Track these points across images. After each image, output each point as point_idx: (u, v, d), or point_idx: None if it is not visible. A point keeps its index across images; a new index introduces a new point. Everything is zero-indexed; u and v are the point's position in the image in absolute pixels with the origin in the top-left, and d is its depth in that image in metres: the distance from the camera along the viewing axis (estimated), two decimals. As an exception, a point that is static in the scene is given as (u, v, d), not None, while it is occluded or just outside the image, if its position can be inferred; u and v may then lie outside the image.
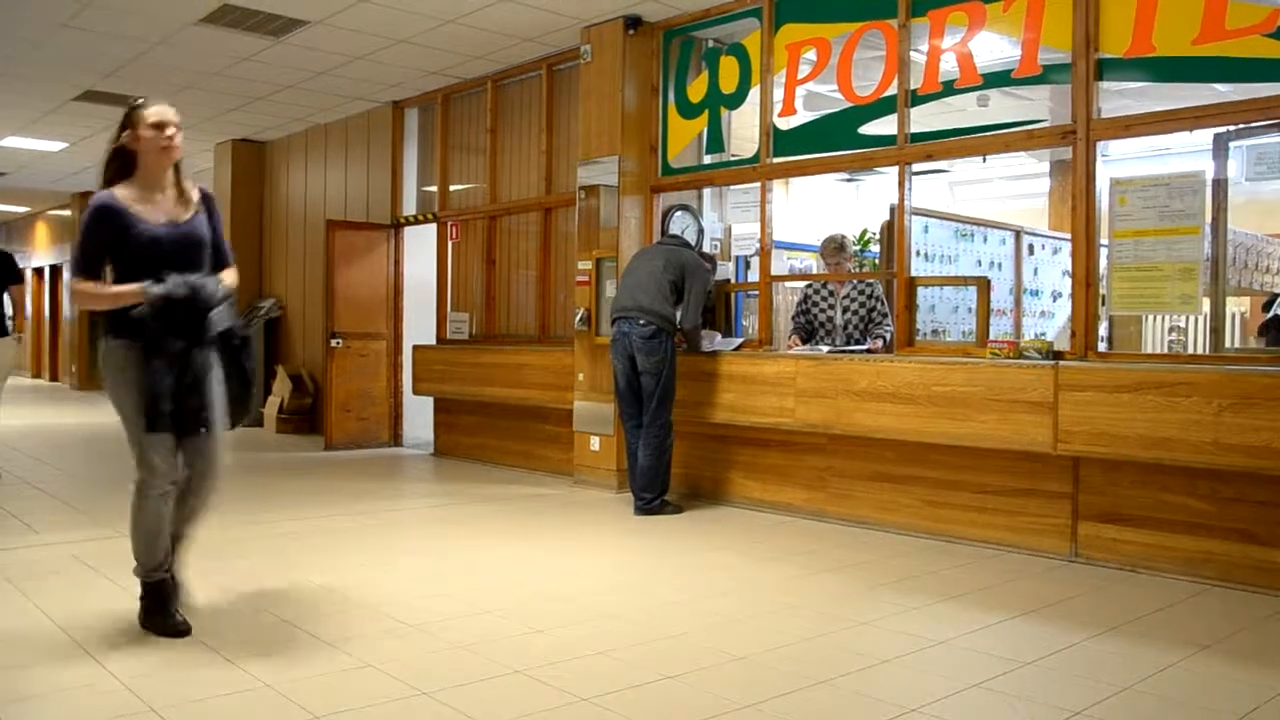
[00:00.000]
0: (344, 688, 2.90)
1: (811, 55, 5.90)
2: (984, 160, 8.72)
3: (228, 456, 3.52)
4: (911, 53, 5.40)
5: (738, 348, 6.17)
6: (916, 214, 5.75)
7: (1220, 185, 4.67)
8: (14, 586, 3.98)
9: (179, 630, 3.35)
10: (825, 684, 3.00)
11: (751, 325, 6.55)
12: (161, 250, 3.28)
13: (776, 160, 6.08)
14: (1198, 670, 3.18)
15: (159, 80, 8.30)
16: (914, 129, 5.41)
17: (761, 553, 4.85)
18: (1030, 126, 5.10)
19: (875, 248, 7.65)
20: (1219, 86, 4.64)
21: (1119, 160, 8.22)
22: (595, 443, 6.74)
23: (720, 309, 6.59)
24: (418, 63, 7.79)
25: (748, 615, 3.74)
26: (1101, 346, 4.91)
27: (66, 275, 16.63)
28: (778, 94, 6.06)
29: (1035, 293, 7.37)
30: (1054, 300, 7.50)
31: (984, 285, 5.45)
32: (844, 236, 6.30)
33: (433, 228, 8.81)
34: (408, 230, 9.20)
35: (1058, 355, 4.75)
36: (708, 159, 6.62)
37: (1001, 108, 5.70)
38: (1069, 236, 4.97)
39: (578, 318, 6.79)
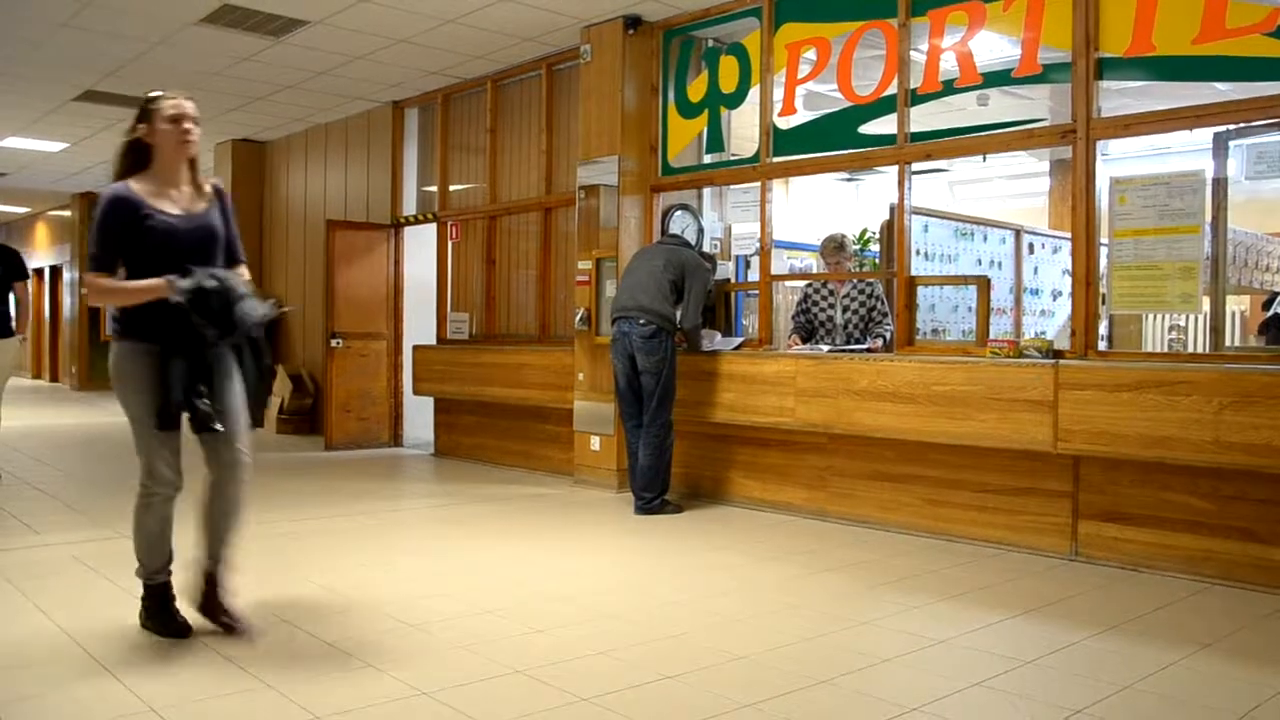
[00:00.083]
0: (344, 688, 2.90)
1: (811, 54, 5.90)
2: (984, 159, 8.72)
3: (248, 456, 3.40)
4: (911, 52, 5.40)
5: (738, 347, 6.17)
6: (916, 213, 5.75)
7: (1220, 184, 4.67)
8: (14, 587, 3.98)
9: (180, 631, 3.35)
10: (826, 683, 3.00)
11: (751, 325, 6.55)
12: (177, 243, 3.18)
13: (776, 160, 6.08)
14: (1198, 669, 3.18)
15: (159, 80, 8.28)
16: (914, 128, 5.41)
17: (762, 552, 4.85)
18: (1030, 126, 5.10)
19: (875, 247, 7.65)
20: (1219, 85, 4.64)
21: (1119, 159, 8.21)
22: (595, 442, 6.74)
23: (720, 308, 6.59)
24: (418, 63, 7.79)
25: (748, 615, 3.74)
26: (1102, 345, 4.91)
27: (67, 274, 16.67)
28: (778, 93, 6.06)
29: (1035, 292, 7.37)
30: (1054, 299, 7.50)
31: (984, 284, 5.45)
32: (844, 236, 6.30)
33: (433, 228, 8.81)
34: (408, 230, 9.20)
35: (1058, 354, 4.74)
36: (708, 158, 6.62)
37: (1001, 107, 5.70)
38: (1069, 235, 4.97)
39: (578, 317, 6.79)
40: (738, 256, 6.91)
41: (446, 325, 8.58)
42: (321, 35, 7.10)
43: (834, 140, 5.79)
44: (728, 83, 6.31)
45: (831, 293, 6.13)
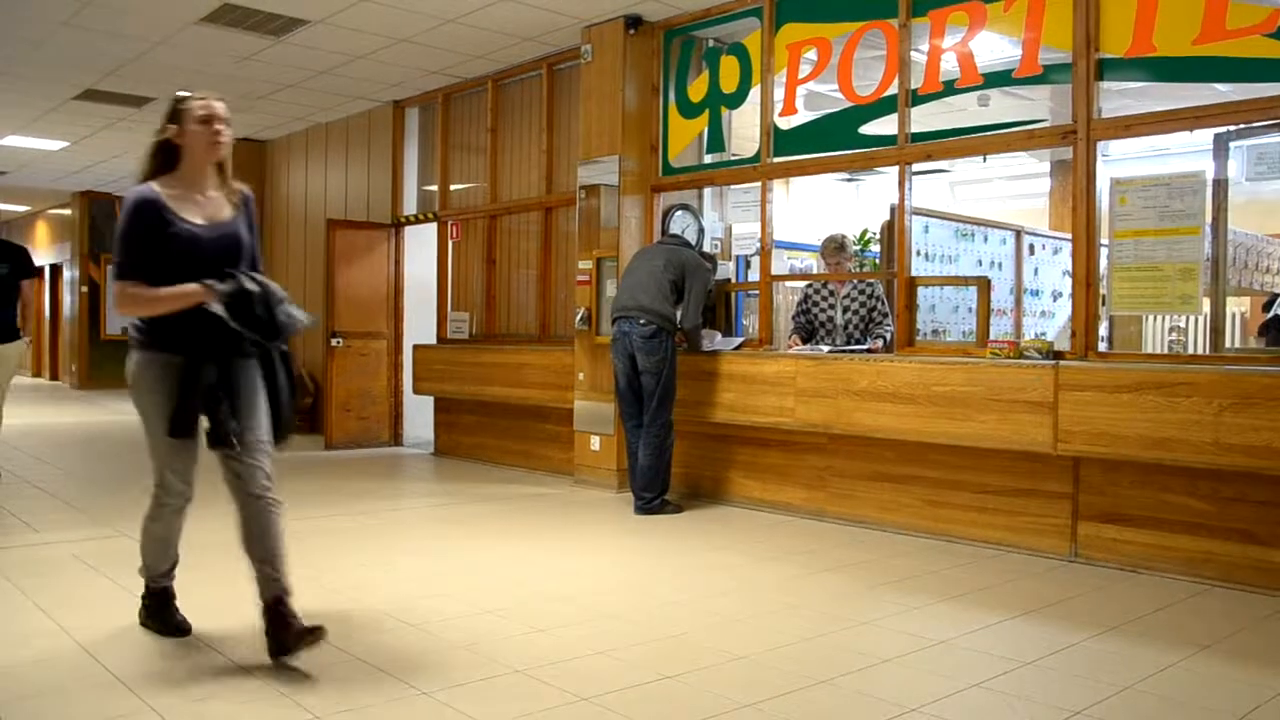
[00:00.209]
0: (344, 688, 2.90)
1: (812, 55, 5.90)
2: (984, 160, 8.73)
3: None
4: (912, 52, 5.40)
5: (738, 347, 6.18)
6: (917, 214, 5.74)
7: (1220, 185, 4.67)
8: (14, 585, 3.98)
9: (179, 629, 3.35)
10: (826, 684, 3.01)
11: (752, 325, 6.55)
12: (201, 251, 3.06)
13: (777, 160, 6.08)
14: (1198, 670, 3.18)
15: (159, 79, 8.30)
16: (914, 129, 5.41)
17: (761, 552, 4.85)
18: (1030, 126, 5.10)
19: (875, 247, 7.65)
20: (1219, 86, 4.64)
21: (1119, 160, 8.22)
22: (595, 442, 6.74)
23: (720, 308, 6.59)
24: (418, 62, 7.79)
25: (748, 615, 3.74)
26: (1102, 346, 4.91)
27: (67, 273, 16.67)
28: (778, 93, 6.06)
29: (1035, 292, 7.37)
30: (1054, 300, 7.50)
31: (984, 285, 5.45)
32: (844, 236, 6.30)
33: (433, 227, 8.81)
34: (408, 229, 9.20)
35: (1058, 355, 4.74)
36: (708, 158, 6.62)
37: (1002, 107, 5.70)
38: (1069, 236, 4.97)
39: (578, 317, 6.79)
40: (738, 256, 6.91)
41: (447, 325, 8.58)
42: (322, 35, 7.10)
43: (835, 140, 5.79)
44: (728, 83, 6.31)
45: (832, 293, 6.13)
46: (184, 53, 7.58)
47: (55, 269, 17.64)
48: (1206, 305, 4.80)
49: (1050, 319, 7.44)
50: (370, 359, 9.06)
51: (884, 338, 5.86)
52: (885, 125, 5.53)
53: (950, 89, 5.26)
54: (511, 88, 8.01)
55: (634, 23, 6.55)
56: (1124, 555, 4.54)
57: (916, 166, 5.55)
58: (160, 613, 3.39)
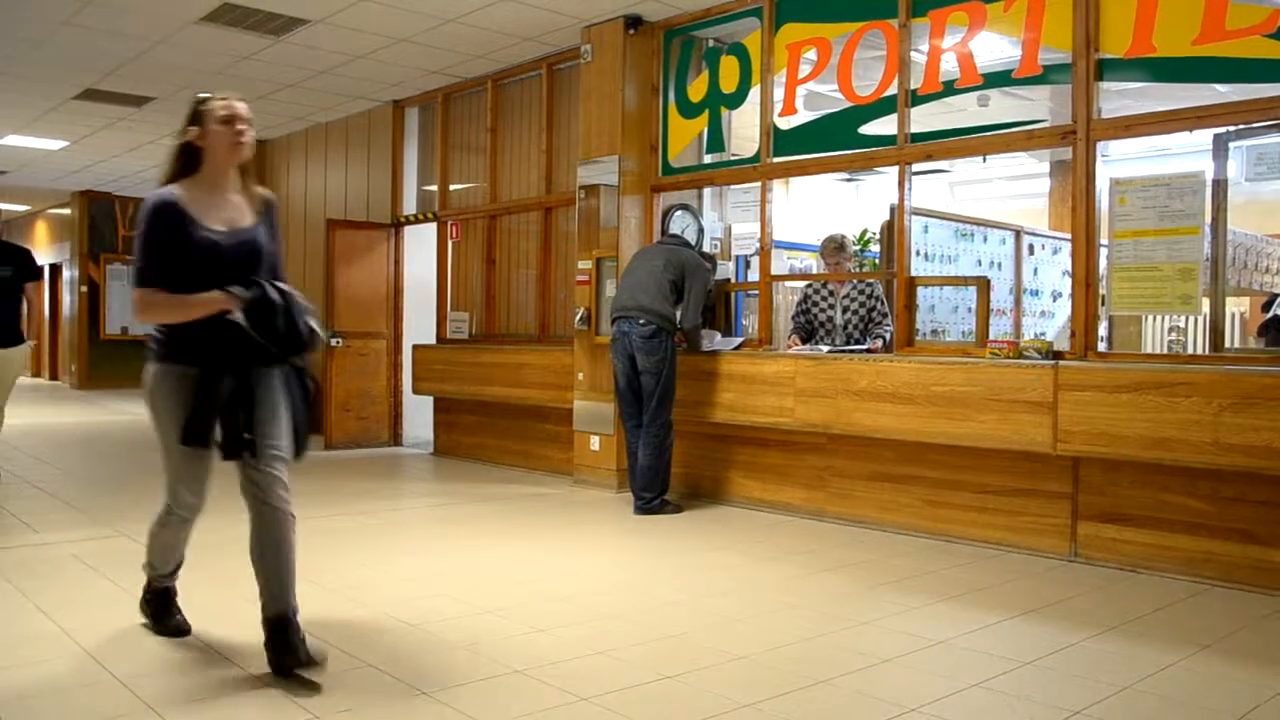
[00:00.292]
0: (344, 687, 2.90)
1: (812, 55, 5.90)
2: (984, 160, 8.73)
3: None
4: (912, 53, 5.40)
5: (737, 347, 6.18)
6: (916, 214, 5.75)
7: (1220, 185, 4.67)
8: (13, 586, 3.98)
9: (179, 629, 3.35)
10: (825, 684, 3.01)
11: (751, 325, 6.55)
12: (219, 260, 2.98)
13: (777, 160, 6.08)
14: (1197, 670, 3.19)
15: (159, 79, 8.30)
16: (914, 129, 5.41)
17: (761, 552, 4.85)
18: (1030, 126, 5.10)
19: (875, 247, 7.65)
20: (1219, 87, 4.65)
21: (1119, 160, 8.22)
22: (595, 442, 6.74)
23: (720, 308, 6.59)
24: (418, 62, 7.79)
25: (748, 615, 3.75)
26: (1101, 346, 4.92)
27: (67, 273, 16.66)
28: (778, 94, 6.06)
29: (1035, 293, 7.38)
30: (1054, 300, 7.50)
31: (984, 285, 5.45)
32: (844, 236, 6.30)
33: (433, 227, 8.81)
34: (408, 229, 9.20)
35: (1057, 355, 4.75)
36: (708, 158, 6.62)
37: (1002, 108, 5.70)
38: (1069, 236, 4.97)
39: (578, 317, 6.79)
40: (738, 256, 6.91)
41: (446, 325, 8.58)
42: (322, 34, 7.10)
43: (834, 140, 5.79)
44: (728, 83, 6.32)
45: (831, 293, 6.13)
46: (184, 52, 7.58)
47: (55, 269, 17.63)
48: (1206, 305, 4.80)
49: (1050, 319, 7.44)
50: (370, 359, 9.06)
51: (883, 338, 5.86)
52: (885, 125, 5.53)
53: (950, 89, 5.26)
54: (511, 88, 8.02)
55: (634, 23, 6.55)
56: (1124, 555, 4.54)
57: (916, 166, 5.55)
58: (160, 613, 3.39)
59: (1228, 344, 5.47)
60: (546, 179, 7.60)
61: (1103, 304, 4.89)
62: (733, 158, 6.50)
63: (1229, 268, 4.98)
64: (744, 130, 6.52)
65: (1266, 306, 6.16)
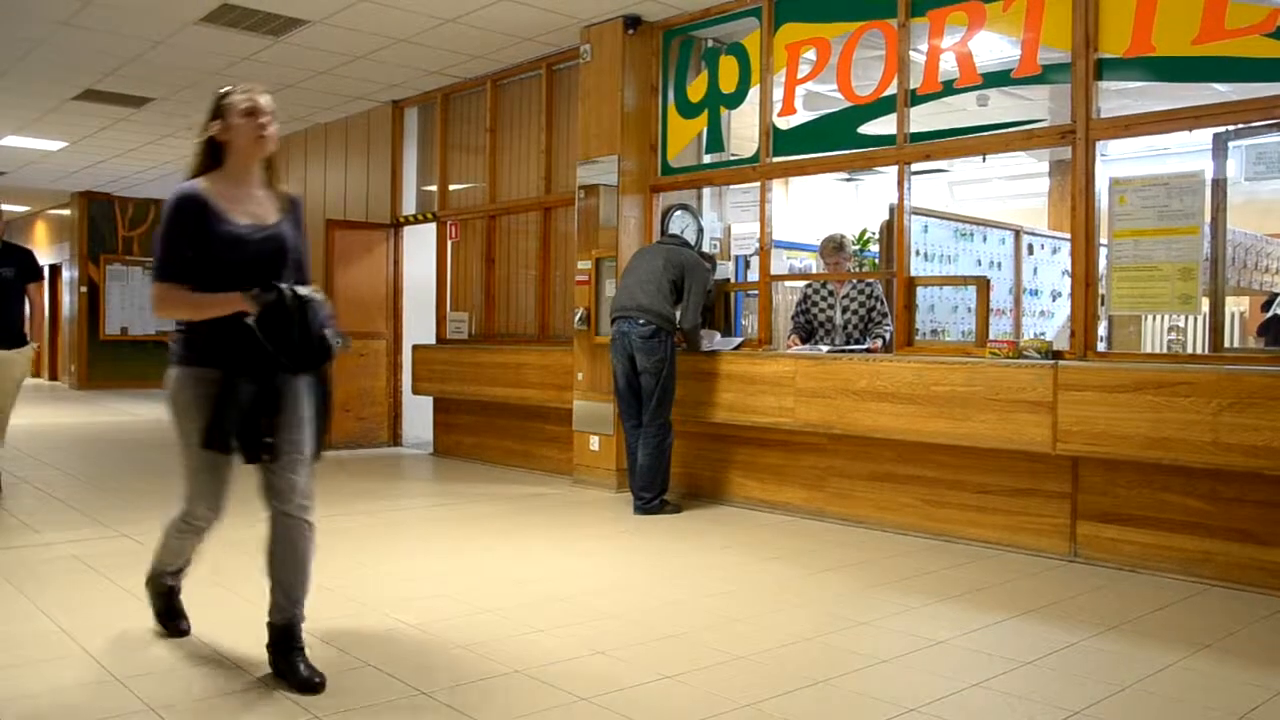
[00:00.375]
0: (344, 688, 2.90)
1: (811, 55, 5.90)
2: (983, 160, 8.71)
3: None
4: (911, 52, 5.40)
5: (737, 347, 6.18)
6: (916, 213, 5.75)
7: (1219, 185, 4.67)
8: (14, 586, 3.98)
9: (179, 631, 3.35)
10: (825, 683, 3.01)
11: (751, 325, 6.55)
12: (243, 254, 2.90)
13: (776, 160, 6.08)
14: (1197, 670, 3.19)
15: (159, 79, 8.30)
16: (913, 129, 5.41)
17: (761, 552, 4.85)
18: (1030, 126, 5.10)
19: (875, 247, 7.64)
20: (1218, 86, 4.65)
21: (1118, 160, 8.22)
22: (595, 442, 6.74)
23: (720, 308, 6.59)
24: (417, 62, 7.79)
25: (748, 615, 3.75)
26: (1101, 346, 4.92)
27: (66, 273, 16.67)
28: (777, 93, 6.06)
29: (1035, 292, 7.38)
30: (1053, 300, 7.51)
31: (983, 285, 5.45)
32: (843, 236, 6.30)
33: (432, 227, 8.81)
34: (407, 230, 9.20)
35: (1057, 355, 4.75)
36: (707, 158, 6.62)
37: (1001, 107, 5.71)
38: (1068, 236, 4.97)
39: (577, 317, 6.79)
40: (737, 256, 6.91)
41: (446, 325, 8.58)
42: (321, 35, 7.10)
43: (834, 140, 5.79)
44: (727, 83, 6.32)
45: (831, 293, 6.14)
46: (183, 53, 7.58)
47: (54, 269, 17.64)
48: (1205, 305, 4.80)
49: (1049, 319, 7.44)
50: (369, 359, 9.06)
51: (883, 338, 5.86)
52: (884, 125, 5.53)
53: (949, 89, 5.26)
54: (510, 88, 8.01)
55: (633, 23, 6.55)
56: (1123, 555, 4.54)
57: (915, 166, 5.55)
58: (164, 611, 3.38)
59: (1227, 343, 5.48)
60: (546, 179, 7.60)
61: (1102, 304, 4.89)
62: (732, 158, 6.50)
63: (1228, 267, 4.98)
64: (743, 130, 6.52)
65: (1266, 306, 6.17)
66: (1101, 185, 4.75)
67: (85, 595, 3.91)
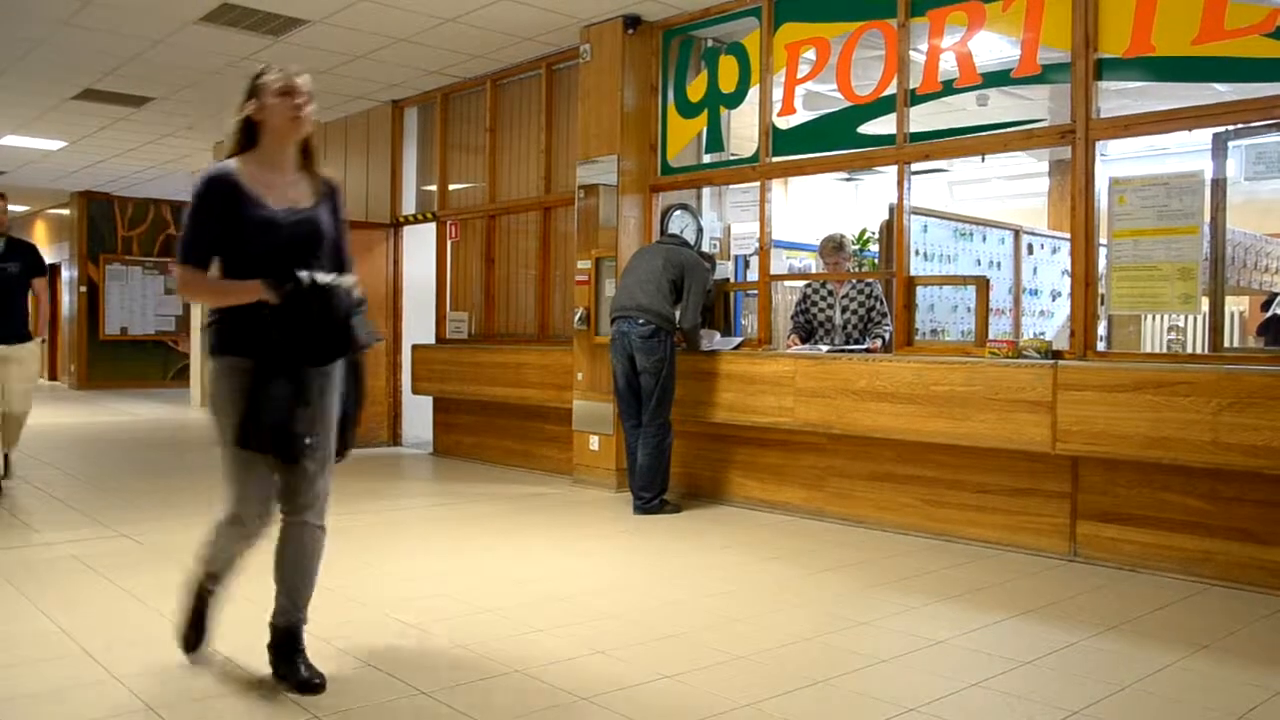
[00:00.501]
0: (344, 687, 2.90)
1: (811, 55, 5.90)
2: (983, 160, 8.72)
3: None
4: (911, 52, 5.40)
5: (737, 347, 6.18)
6: (915, 213, 5.75)
7: (1219, 185, 4.68)
8: (14, 586, 3.98)
9: (195, 646, 3.10)
10: (825, 683, 3.01)
11: (751, 324, 6.55)
12: (276, 238, 2.79)
13: (776, 159, 6.08)
14: (1197, 669, 3.19)
15: (158, 79, 8.30)
16: (913, 128, 5.41)
17: (761, 552, 4.85)
18: (1029, 126, 5.11)
19: (874, 247, 7.64)
20: (1218, 86, 4.65)
21: (1118, 160, 8.22)
22: (594, 442, 6.74)
23: (719, 308, 6.59)
24: (417, 62, 7.79)
25: (747, 615, 3.75)
26: (1100, 346, 4.92)
27: (66, 273, 16.65)
28: (777, 93, 6.06)
29: (1034, 292, 7.38)
30: (1053, 300, 7.51)
31: (983, 285, 5.45)
32: (843, 236, 6.30)
33: (432, 227, 8.81)
34: (407, 229, 9.20)
35: (1057, 355, 4.75)
36: (707, 158, 6.62)
37: (1001, 107, 5.70)
38: (1068, 236, 4.97)
39: (577, 317, 6.79)
40: (737, 256, 6.91)
41: (446, 324, 8.58)
42: (320, 34, 7.09)
43: (833, 140, 5.79)
44: (727, 82, 6.32)
45: (831, 293, 6.14)
46: (183, 52, 7.57)
47: (54, 269, 17.63)
48: (1205, 305, 4.81)
49: (1049, 318, 7.44)
50: (369, 359, 9.03)
51: (883, 337, 5.86)
52: (884, 125, 5.53)
53: (949, 89, 5.26)
54: (510, 87, 8.01)
55: (633, 22, 6.55)
56: (1123, 555, 4.54)
57: (915, 166, 5.55)
58: (190, 622, 3.07)
59: (1227, 343, 5.48)
60: (545, 179, 7.60)
61: (1102, 303, 4.89)
62: (732, 157, 6.50)
63: (1228, 267, 4.98)
64: (743, 130, 6.52)
65: (1266, 305, 6.17)
66: (1101, 185, 4.75)
67: (85, 595, 3.91)
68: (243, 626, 3.35)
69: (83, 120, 10.04)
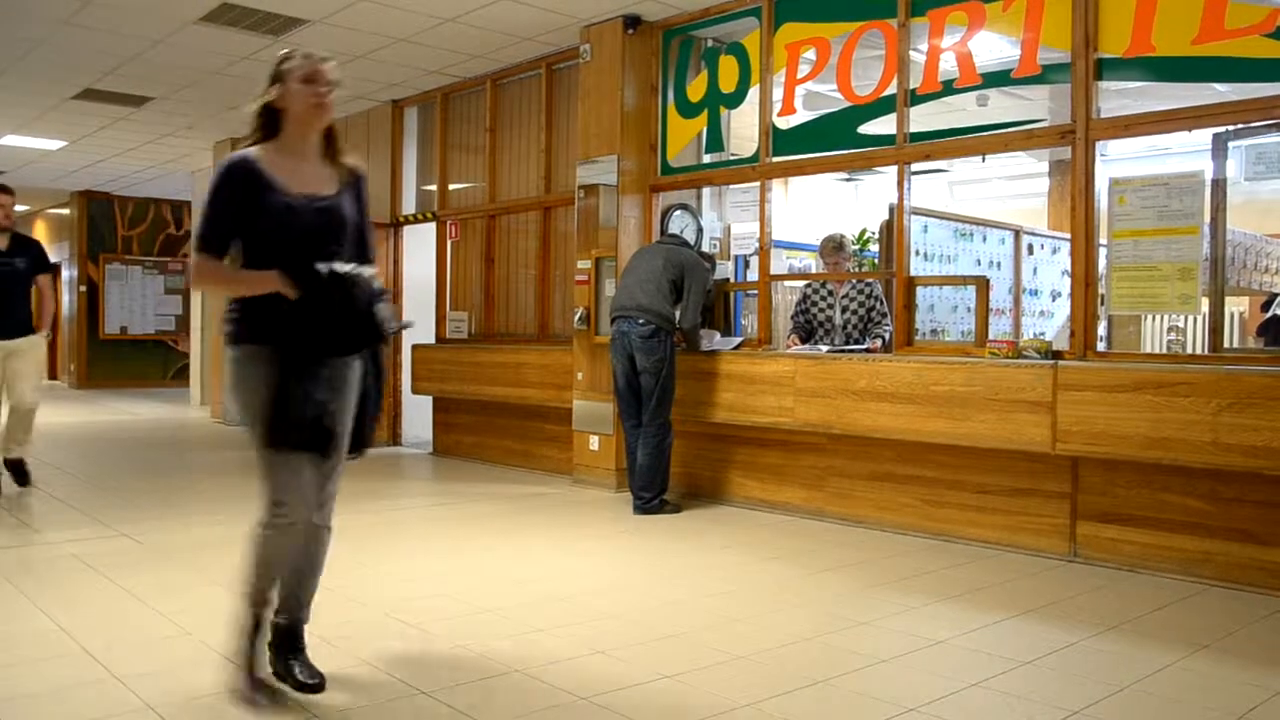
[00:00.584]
0: (344, 688, 2.90)
1: (811, 54, 5.90)
2: (983, 160, 8.72)
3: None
4: (911, 52, 5.40)
5: (737, 347, 6.18)
6: (915, 213, 5.75)
7: (1219, 185, 4.68)
8: (14, 586, 3.98)
9: (259, 692, 2.84)
10: (825, 683, 3.01)
11: (751, 324, 6.55)
12: (296, 226, 2.74)
13: (776, 160, 6.08)
14: (1196, 670, 3.19)
15: (158, 79, 8.29)
16: (913, 128, 5.41)
17: (761, 552, 4.85)
18: (1029, 126, 5.11)
19: (874, 247, 7.64)
20: (1218, 86, 4.65)
21: (1118, 160, 8.22)
22: (594, 442, 6.74)
23: (719, 308, 6.59)
24: (417, 62, 7.79)
25: (747, 615, 3.75)
26: (1100, 346, 4.92)
27: (66, 272, 16.65)
28: (777, 93, 6.06)
29: (1034, 292, 7.38)
30: (1053, 300, 7.51)
31: (983, 285, 5.45)
32: (843, 236, 6.30)
33: (432, 227, 8.81)
34: (407, 229, 9.20)
35: (1057, 355, 4.75)
36: (707, 158, 6.62)
37: (1001, 107, 5.70)
38: (1068, 236, 4.97)
39: (577, 317, 6.79)
40: (737, 256, 6.91)
41: (445, 324, 8.58)
42: (320, 34, 7.09)
43: (833, 140, 5.79)
44: (727, 82, 6.32)
45: (831, 293, 6.14)
46: (183, 52, 7.57)
47: (54, 268, 17.65)
48: (1205, 305, 4.81)
49: (1049, 319, 7.44)
50: (370, 358, 9.04)
51: (883, 338, 5.86)
52: (884, 125, 5.53)
53: (949, 89, 5.26)
54: (510, 87, 8.01)
55: (633, 22, 6.55)
56: (1123, 555, 4.54)
57: (915, 166, 5.55)
58: (249, 646, 2.85)
59: (1227, 344, 5.48)
60: (545, 179, 7.60)
61: (1102, 304, 4.89)
62: (732, 157, 6.50)
63: (1228, 267, 4.98)
64: (743, 130, 6.52)
65: (1266, 306, 6.17)
66: (1101, 185, 4.75)
67: (85, 595, 3.91)
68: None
69: (83, 120, 10.03)
